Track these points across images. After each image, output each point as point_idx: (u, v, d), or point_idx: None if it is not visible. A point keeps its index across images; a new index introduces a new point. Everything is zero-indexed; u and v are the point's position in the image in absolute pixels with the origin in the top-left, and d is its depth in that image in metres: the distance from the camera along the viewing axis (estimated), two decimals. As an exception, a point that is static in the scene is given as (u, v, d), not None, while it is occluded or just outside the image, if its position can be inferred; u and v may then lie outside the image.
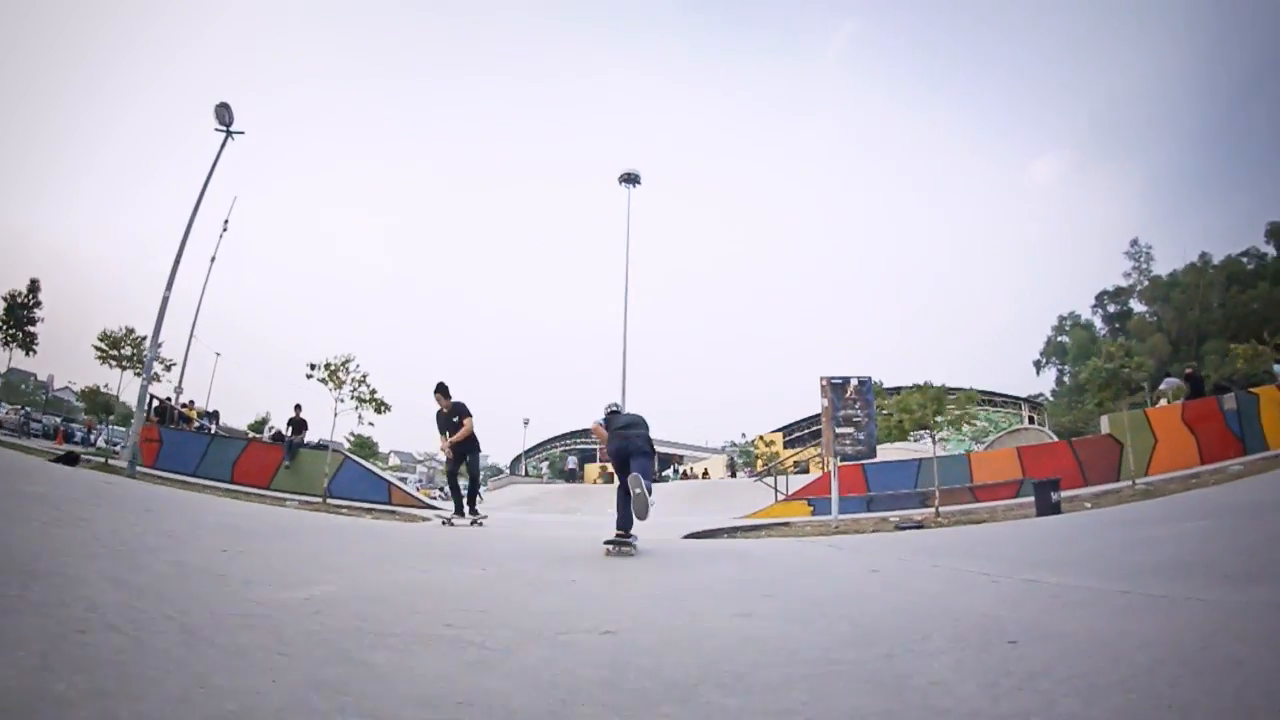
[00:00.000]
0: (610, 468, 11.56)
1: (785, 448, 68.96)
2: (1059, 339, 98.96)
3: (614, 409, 10.66)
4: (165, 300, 21.54)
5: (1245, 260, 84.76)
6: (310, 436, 25.48)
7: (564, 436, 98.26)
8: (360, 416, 19.28)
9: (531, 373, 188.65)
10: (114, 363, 24.57)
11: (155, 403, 26.55)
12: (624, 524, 9.60)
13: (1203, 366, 57.52)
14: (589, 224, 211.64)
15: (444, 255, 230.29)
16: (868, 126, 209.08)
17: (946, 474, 20.12)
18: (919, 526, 13.65)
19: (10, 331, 46.46)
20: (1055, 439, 34.23)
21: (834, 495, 16.04)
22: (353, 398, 18.98)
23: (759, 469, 24.78)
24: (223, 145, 23.45)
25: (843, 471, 20.15)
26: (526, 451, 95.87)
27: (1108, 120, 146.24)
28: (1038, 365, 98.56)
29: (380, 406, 19.47)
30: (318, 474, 20.60)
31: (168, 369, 26.57)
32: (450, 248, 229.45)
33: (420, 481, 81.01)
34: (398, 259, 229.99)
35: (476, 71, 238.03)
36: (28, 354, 48.52)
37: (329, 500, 18.32)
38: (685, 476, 46.87)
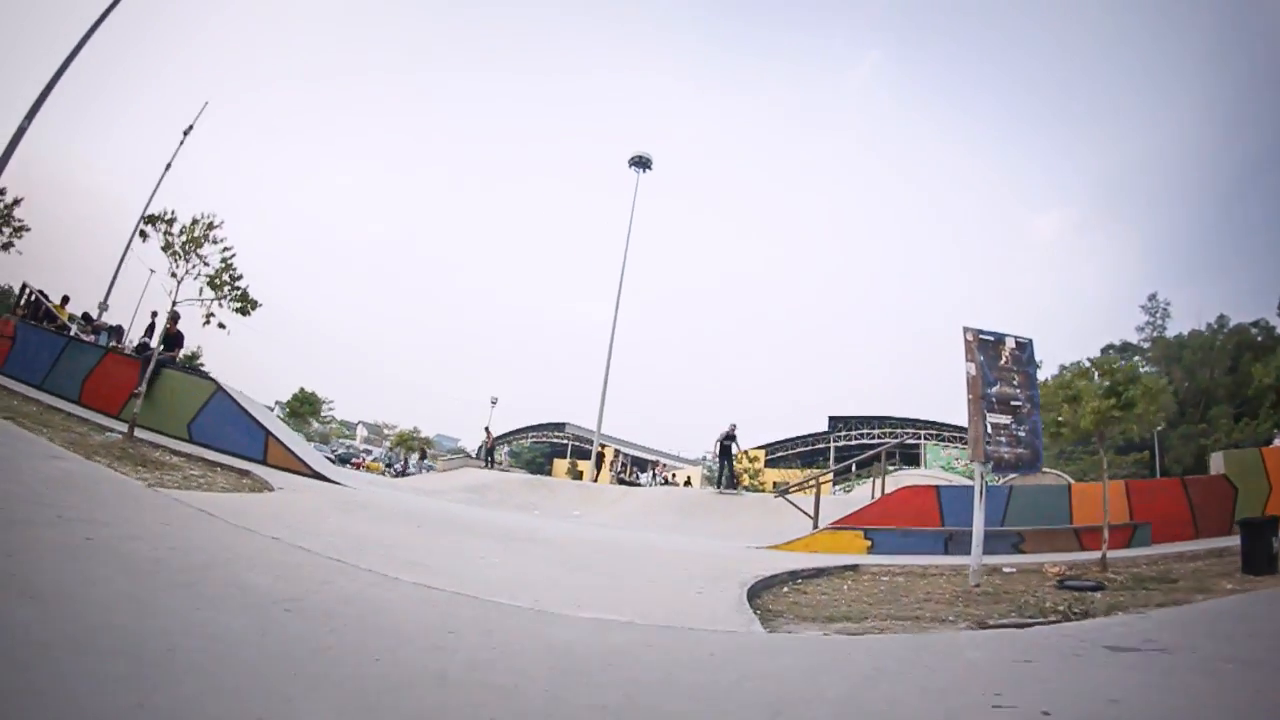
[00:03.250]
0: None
1: (766, 466, 64.25)
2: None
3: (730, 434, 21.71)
4: (20, 131, 17.03)
5: (1255, 331, 79.29)
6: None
7: (536, 428, 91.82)
8: (210, 315, 12.90)
9: (510, 361, 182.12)
10: None
11: (31, 295, 21.83)
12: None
13: (1212, 430, 57.03)
14: (587, 226, 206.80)
15: (437, 235, 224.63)
16: (878, 161, 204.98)
17: (1041, 509, 15.33)
18: (1096, 588, 8.44)
19: None
20: (1071, 482, 28.73)
21: (978, 529, 9.23)
22: (207, 282, 12.83)
23: (782, 483, 19.24)
24: None
25: (904, 496, 15.66)
26: (496, 439, 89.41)
27: (1118, 180, 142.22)
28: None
29: (245, 302, 13.17)
30: (182, 407, 15.48)
31: (17, 233, 22.48)
32: (444, 230, 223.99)
33: (385, 458, 73.98)
34: (392, 232, 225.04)
35: (491, 66, 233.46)
36: None
37: (136, 436, 12.30)
38: (666, 482, 40.63)
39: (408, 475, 42.11)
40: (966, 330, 9.92)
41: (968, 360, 9.69)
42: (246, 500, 9.18)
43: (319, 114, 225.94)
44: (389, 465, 60.83)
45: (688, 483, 48.02)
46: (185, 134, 35.43)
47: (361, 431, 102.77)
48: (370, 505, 11.74)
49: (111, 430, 12.63)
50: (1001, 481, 17.53)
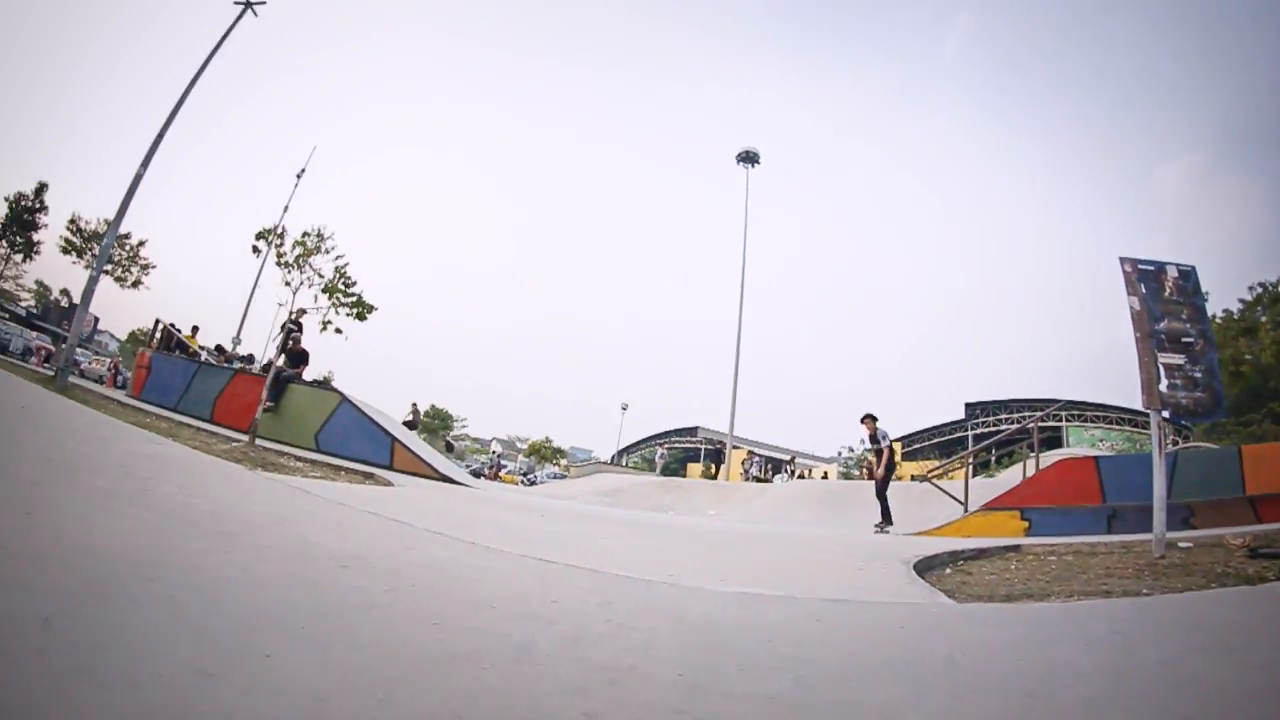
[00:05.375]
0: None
1: (904, 459, 62.14)
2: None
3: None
4: (137, 178, 17.48)
5: None
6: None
7: (668, 434, 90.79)
8: (326, 322, 12.73)
9: (640, 369, 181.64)
10: (76, 255, 22.23)
11: (163, 328, 23.13)
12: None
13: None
14: (704, 228, 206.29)
15: (561, 248, 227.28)
16: (986, 126, 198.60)
17: (1210, 477, 13.28)
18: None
19: (12, 236, 41.49)
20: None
21: (1159, 490, 8.04)
22: (323, 291, 13.24)
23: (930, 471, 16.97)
24: (239, 16, 19.85)
25: (1061, 471, 14.06)
26: (626, 449, 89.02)
27: (1242, 117, 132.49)
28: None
29: (361, 307, 13.33)
30: (309, 419, 15.44)
31: (144, 270, 23.43)
32: (568, 242, 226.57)
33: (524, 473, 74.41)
34: (515, 248, 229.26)
35: (596, 65, 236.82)
36: (26, 259, 42.30)
37: (258, 442, 12.63)
38: (800, 477, 39.41)
39: (536, 484, 42.16)
40: (1124, 261, 8.93)
41: (1130, 294, 8.65)
42: (356, 488, 8.87)
43: (433, 135, 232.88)
44: (524, 475, 61.28)
45: (824, 477, 46.82)
46: (299, 177, 36.86)
47: (496, 447, 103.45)
48: (494, 500, 11.32)
49: (237, 440, 12.67)
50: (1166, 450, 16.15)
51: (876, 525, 13.52)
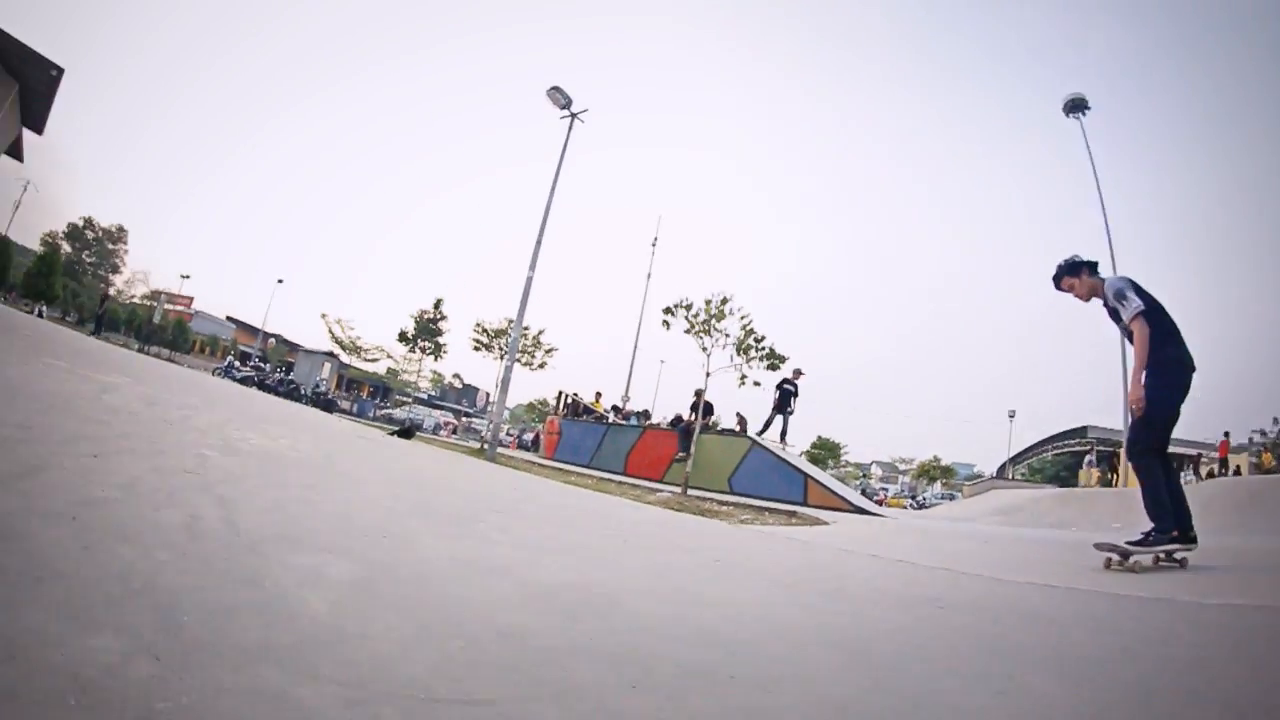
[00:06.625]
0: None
1: (1327, 445, 54.26)
2: None
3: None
4: (529, 281, 21.56)
5: None
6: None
7: (1053, 439, 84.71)
8: (743, 377, 13.99)
9: (1022, 371, 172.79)
10: (484, 350, 32.74)
11: (568, 398, 27.73)
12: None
13: None
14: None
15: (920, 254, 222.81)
16: None
17: None
18: None
19: (424, 344, 52.38)
20: None
21: None
22: (735, 349, 14.63)
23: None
24: (570, 128, 22.78)
25: None
26: (1013, 458, 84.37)
27: None
28: None
29: (774, 358, 14.88)
30: (721, 464, 17.32)
31: (548, 353, 34.26)
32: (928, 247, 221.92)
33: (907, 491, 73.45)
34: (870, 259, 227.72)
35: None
36: (436, 359, 54.21)
37: (690, 491, 14.20)
38: (1211, 475, 34.93)
39: (925, 507, 41.87)
40: None
41: None
42: (816, 529, 9.84)
43: (756, 145, 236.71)
44: (911, 497, 61.47)
45: (1236, 473, 40.91)
46: (653, 245, 41.30)
47: (875, 471, 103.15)
48: (921, 529, 12.02)
49: (662, 490, 14.27)
50: None
51: (1117, 552, 6.40)
